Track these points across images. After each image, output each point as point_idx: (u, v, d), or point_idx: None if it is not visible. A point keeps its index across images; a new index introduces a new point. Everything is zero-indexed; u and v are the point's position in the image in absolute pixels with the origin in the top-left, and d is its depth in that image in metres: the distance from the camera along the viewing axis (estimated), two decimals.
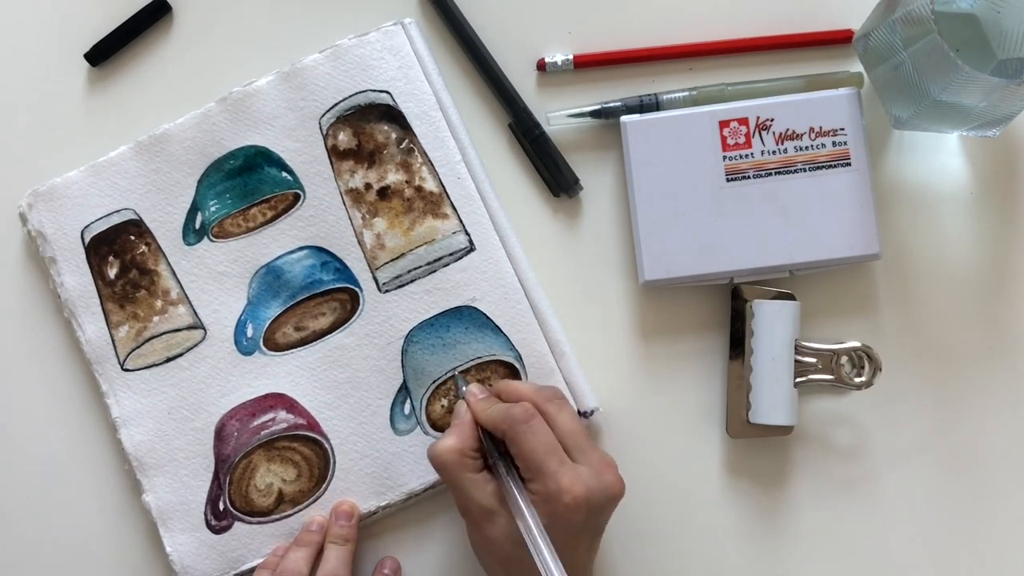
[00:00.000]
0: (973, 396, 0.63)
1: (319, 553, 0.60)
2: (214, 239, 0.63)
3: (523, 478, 0.54)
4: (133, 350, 0.63)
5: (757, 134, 0.61)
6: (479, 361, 0.61)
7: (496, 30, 0.64)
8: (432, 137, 0.62)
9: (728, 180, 0.61)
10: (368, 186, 0.62)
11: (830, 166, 0.60)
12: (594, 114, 0.63)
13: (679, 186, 0.61)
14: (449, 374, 0.61)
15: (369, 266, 0.62)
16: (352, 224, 0.62)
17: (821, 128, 0.60)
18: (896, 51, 0.56)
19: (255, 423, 0.62)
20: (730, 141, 0.61)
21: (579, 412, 0.61)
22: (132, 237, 0.63)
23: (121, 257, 0.63)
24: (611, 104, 0.63)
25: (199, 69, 0.65)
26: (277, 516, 0.62)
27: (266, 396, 0.62)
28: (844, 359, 0.61)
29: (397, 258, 0.62)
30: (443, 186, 0.62)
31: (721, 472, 0.63)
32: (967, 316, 0.63)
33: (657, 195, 0.61)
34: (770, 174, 0.60)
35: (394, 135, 0.62)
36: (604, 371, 0.63)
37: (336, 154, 0.62)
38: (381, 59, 0.62)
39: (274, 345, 0.63)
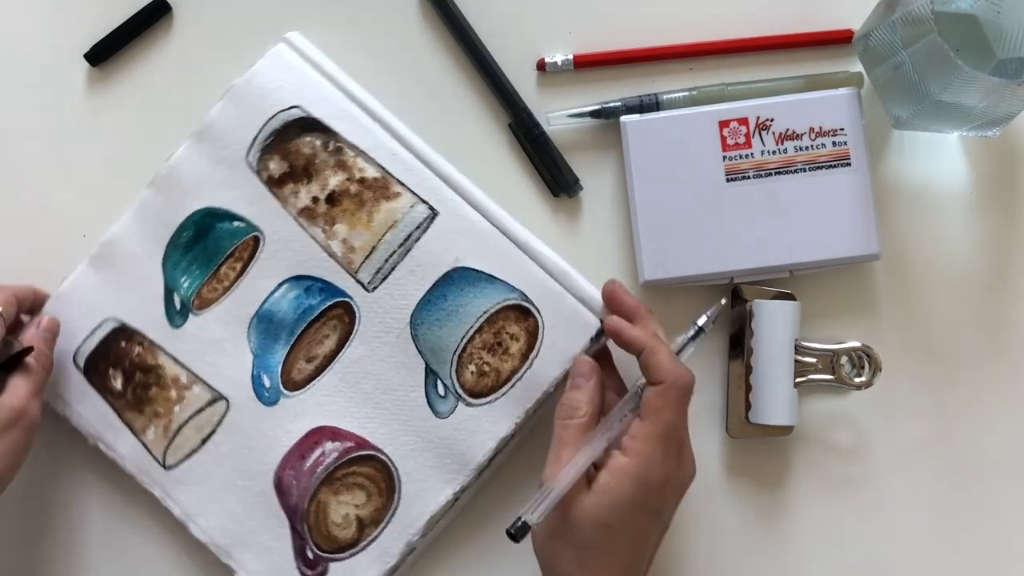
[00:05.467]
0: (973, 396, 0.63)
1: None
2: (198, 312, 0.63)
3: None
4: (168, 446, 0.62)
5: (757, 134, 0.61)
6: (488, 315, 0.61)
7: (496, 30, 0.64)
8: (355, 129, 0.62)
9: (728, 180, 0.60)
10: (316, 199, 0.62)
11: (830, 166, 0.60)
12: (594, 114, 0.63)
13: (679, 186, 0.61)
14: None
15: (349, 273, 0.62)
16: (316, 241, 0.62)
17: (821, 128, 0.60)
18: (896, 51, 0.56)
19: (308, 464, 0.61)
20: (730, 141, 0.61)
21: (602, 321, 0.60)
22: (123, 343, 0.63)
23: (121, 366, 0.62)
24: (611, 104, 0.63)
25: (199, 69, 0.65)
26: (365, 542, 0.61)
27: (307, 435, 0.62)
28: (844, 359, 0.61)
29: (370, 253, 0.62)
30: (383, 168, 0.62)
31: (721, 472, 0.63)
32: (967, 316, 0.63)
33: (657, 195, 0.61)
34: (770, 174, 0.60)
35: (319, 142, 0.62)
36: None
37: (274, 183, 0.62)
38: (279, 80, 0.62)
39: (294, 385, 0.62)
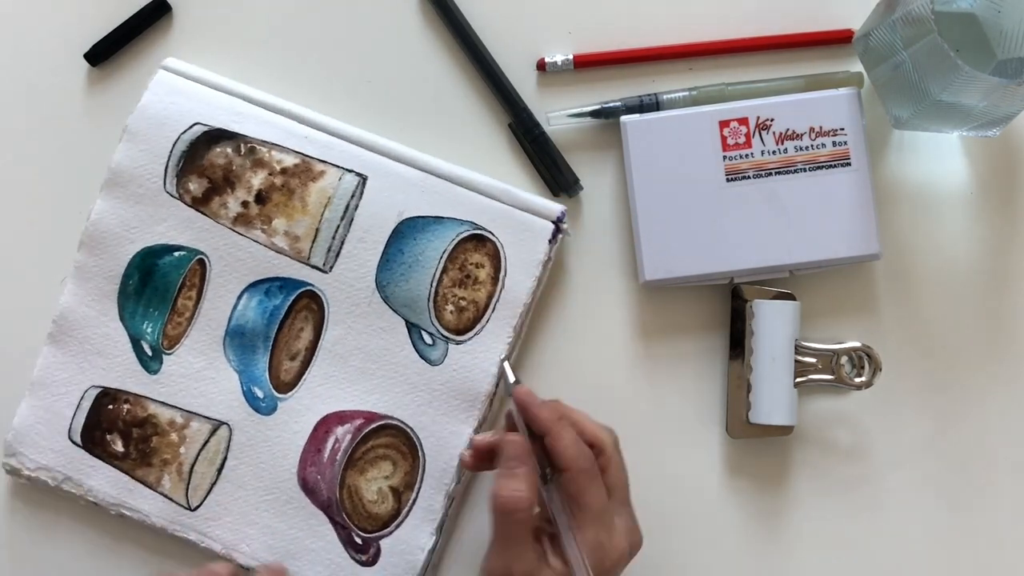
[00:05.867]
0: (973, 396, 0.63)
1: None
2: (170, 351, 0.62)
3: (568, 519, 0.53)
4: (187, 488, 0.62)
5: (757, 134, 0.61)
6: (447, 254, 0.62)
7: (496, 30, 0.64)
8: (259, 127, 0.62)
9: (728, 180, 0.61)
10: (245, 203, 0.62)
11: (830, 166, 0.60)
12: (594, 114, 0.63)
13: (679, 186, 0.61)
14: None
15: (301, 262, 0.62)
16: (260, 243, 0.62)
17: (821, 128, 0.60)
18: (896, 51, 0.56)
19: (326, 455, 0.61)
20: (730, 141, 0.61)
21: (554, 222, 0.61)
22: (110, 406, 0.62)
23: (116, 429, 0.62)
24: (611, 104, 0.63)
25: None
26: (406, 508, 0.61)
27: (316, 428, 0.62)
28: (844, 359, 0.61)
29: (315, 236, 0.62)
30: (300, 153, 0.62)
31: (721, 472, 0.63)
32: (967, 316, 0.63)
33: (657, 195, 0.61)
34: (770, 174, 0.60)
35: (230, 149, 0.62)
36: (604, 371, 0.63)
37: (200, 203, 0.62)
38: (170, 106, 0.63)
39: (285, 387, 0.62)
